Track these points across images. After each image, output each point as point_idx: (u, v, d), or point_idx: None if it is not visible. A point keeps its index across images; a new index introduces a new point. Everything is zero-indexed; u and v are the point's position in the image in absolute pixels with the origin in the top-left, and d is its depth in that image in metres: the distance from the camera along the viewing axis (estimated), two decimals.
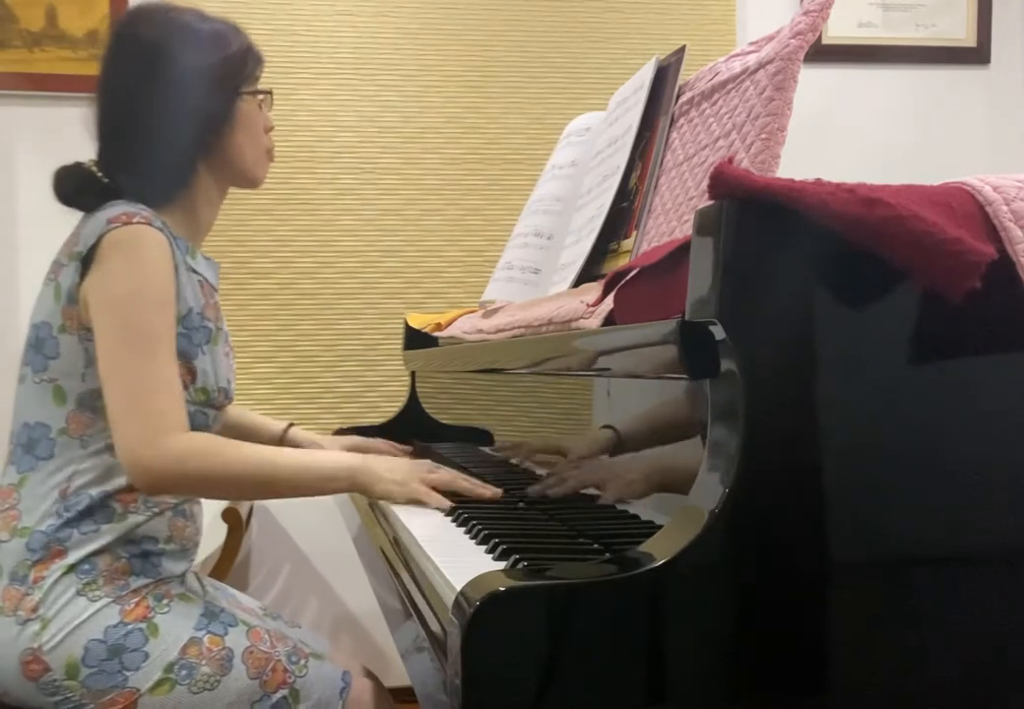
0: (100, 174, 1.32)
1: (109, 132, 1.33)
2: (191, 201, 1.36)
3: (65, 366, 1.27)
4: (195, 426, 1.29)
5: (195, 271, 1.34)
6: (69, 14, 2.44)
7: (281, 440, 1.66)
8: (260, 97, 1.40)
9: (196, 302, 1.31)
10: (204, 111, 1.31)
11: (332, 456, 1.37)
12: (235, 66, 1.35)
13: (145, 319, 1.22)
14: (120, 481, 1.26)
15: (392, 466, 1.31)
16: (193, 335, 1.30)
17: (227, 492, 1.30)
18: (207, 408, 1.33)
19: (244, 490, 1.29)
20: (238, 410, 1.68)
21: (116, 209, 1.25)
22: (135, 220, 1.24)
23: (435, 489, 1.30)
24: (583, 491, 1.12)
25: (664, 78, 1.39)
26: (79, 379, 1.27)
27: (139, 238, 1.23)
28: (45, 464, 1.27)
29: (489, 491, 1.30)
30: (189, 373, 1.29)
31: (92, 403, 1.26)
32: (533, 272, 1.58)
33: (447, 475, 1.32)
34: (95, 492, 1.26)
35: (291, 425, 1.70)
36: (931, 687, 0.76)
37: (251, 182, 1.42)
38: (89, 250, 1.24)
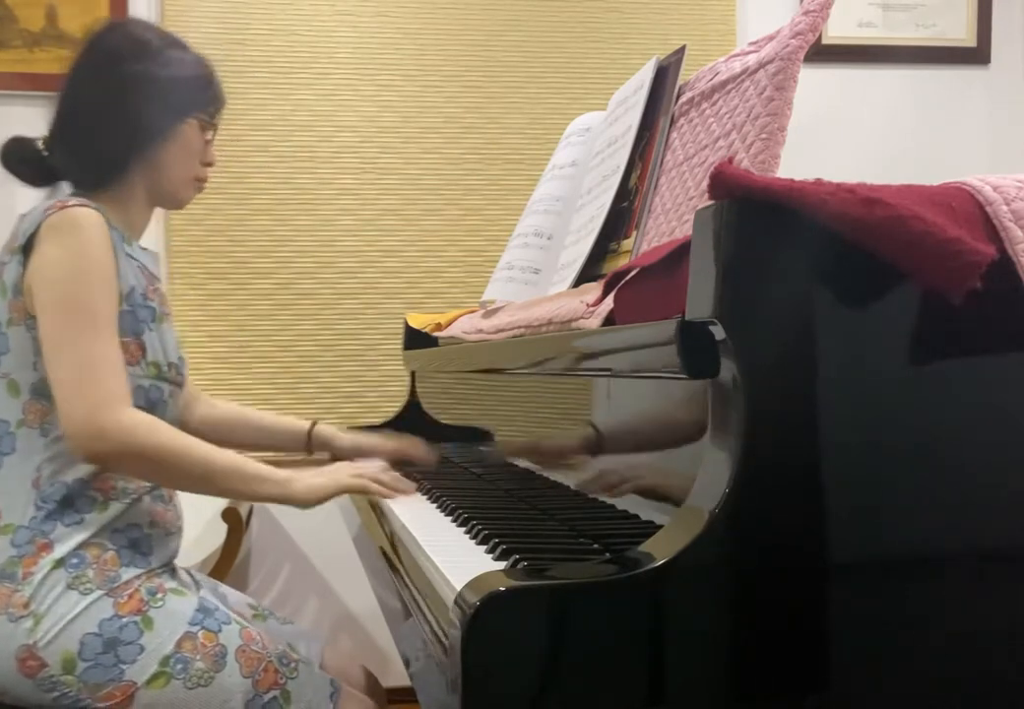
0: (43, 151, 1.40)
1: (58, 117, 1.39)
2: (122, 196, 1.40)
3: (16, 359, 1.29)
4: (151, 401, 1.33)
5: (132, 257, 1.36)
6: (69, 14, 2.44)
7: (309, 437, 1.64)
8: (208, 134, 1.45)
9: (138, 283, 1.35)
10: (142, 121, 1.37)
11: (264, 465, 1.35)
12: (188, 91, 1.41)
13: (86, 295, 1.25)
14: (90, 465, 1.27)
15: (318, 471, 1.36)
16: (138, 311, 1.33)
17: (163, 472, 1.27)
18: (160, 382, 1.35)
19: (179, 473, 1.26)
20: (255, 410, 1.70)
21: (52, 200, 1.31)
22: (71, 203, 1.28)
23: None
24: (587, 494, 1.12)
25: (664, 78, 1.39)
26: (31, 369, 1.29)
27: (76, 219, 1.27)
28: (10, 459, 1.28)
29: (400, 491, 1.36)
30: (139, 348, 1.32)
31: (47, 391, 1.28)
32: (533, 272, 1.58)
33: (371, 471, 1.37)
34: (70, 480, 1.27)
35: (315, 423, 1.67)
36: (931, 687, 0.76)
37: (173, 202, 1.47)
38: (28, 239, 1.27)
